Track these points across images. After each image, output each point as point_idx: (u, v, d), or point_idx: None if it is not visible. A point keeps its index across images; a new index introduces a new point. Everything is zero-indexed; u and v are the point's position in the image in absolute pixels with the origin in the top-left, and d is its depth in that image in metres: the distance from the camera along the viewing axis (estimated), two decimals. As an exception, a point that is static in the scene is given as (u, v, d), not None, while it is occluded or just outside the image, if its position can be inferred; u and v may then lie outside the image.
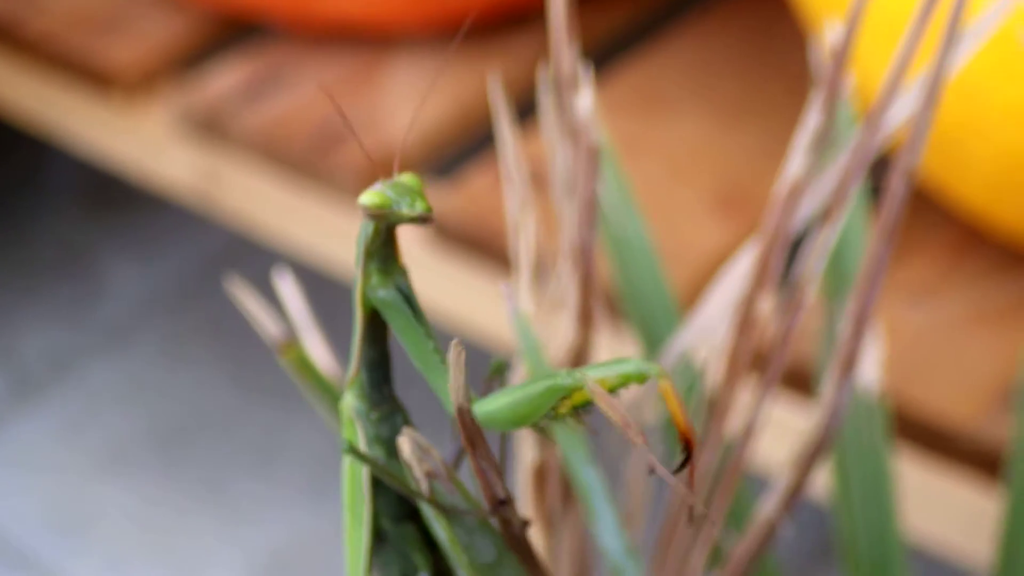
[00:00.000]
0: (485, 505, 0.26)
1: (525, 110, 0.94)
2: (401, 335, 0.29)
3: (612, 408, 0.24)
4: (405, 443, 0.26)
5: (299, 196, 0.91)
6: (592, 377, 0.25)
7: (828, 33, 0.44)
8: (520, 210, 0.37)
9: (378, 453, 0.31)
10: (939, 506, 0.73)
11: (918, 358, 0.73)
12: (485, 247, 0.84)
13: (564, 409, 0.26)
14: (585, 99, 0.35)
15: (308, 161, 0.90)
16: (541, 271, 0.38)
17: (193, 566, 1.05)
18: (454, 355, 0.24)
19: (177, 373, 1.17)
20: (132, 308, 1.22)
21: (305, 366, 0.39)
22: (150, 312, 1.22)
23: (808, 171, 0.36)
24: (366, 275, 0.29)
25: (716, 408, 0.37)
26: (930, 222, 0.81)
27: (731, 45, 0.96)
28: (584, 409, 0.26)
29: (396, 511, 0.31)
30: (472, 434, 0.24)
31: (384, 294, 0.29)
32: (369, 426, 0.31)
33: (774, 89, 0.92)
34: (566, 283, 0.37)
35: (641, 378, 0.25)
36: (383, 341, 0.31)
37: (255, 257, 1.20)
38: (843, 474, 0.43)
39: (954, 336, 0.75)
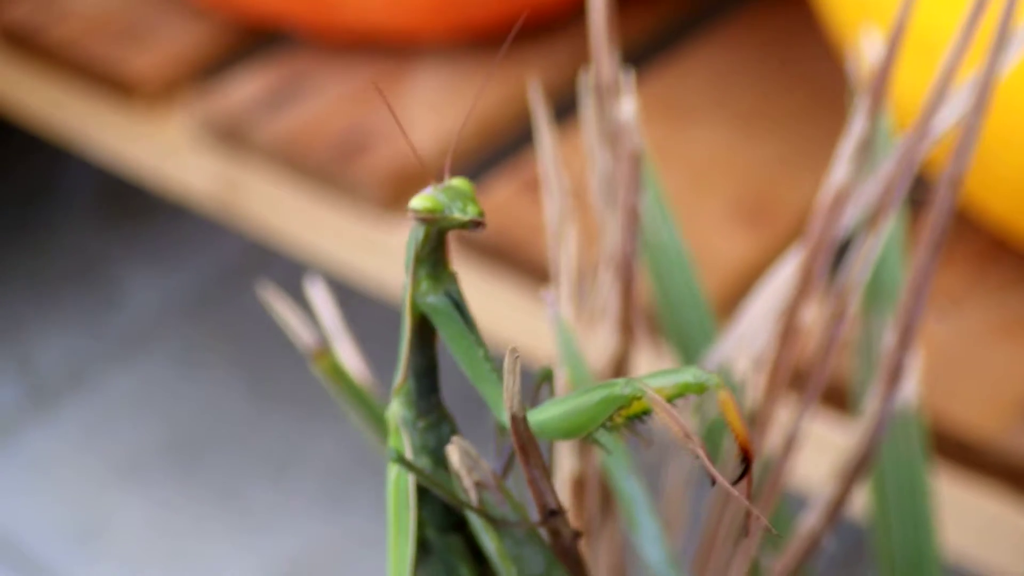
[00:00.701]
0: (535, 516, 0.25)
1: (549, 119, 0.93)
2: (451, 343, 0.29)
3: (672, 418, 0.23)
4: (454, 452, 0.25)
5: (320, 205, 0.91)
6: (651, 386, 0.24)
7: (866, 42, 0.43)
8: (560, 220, 0.37)
9: (425, 463, 0.30)
10: (967, 519, 0.72)
11: (944, 370, 0.73)
12: (509, 257, 0.83)
13: (619, 419, 0.25)
14: (627, 106, 0.35)
15: (329, 170, 0.89)
16: (579, 280, 0.38)
17: (208, 574, 1.04)
18: (509, 362, 0.23)
19: (193, 381, 1.17)
20: (148, 316, 1.22)
21: (338, 374, 0.38)
22: (166, 321, 1.22)
23: (851, 179, 0.35)
24: (416, 281, 0.29)
25: (757, 421, 0.37)
26: (955, 233, 0.80)
27: (754, 54, 0.95)
28: (639, 419, 0.25)
29: (442, 521, 0.30)
30: (526, 443, 0.23)
31: (434, 300, 0.29)
32: (416, 435, 0.30)
33: (797, 98, 0.91)
34: (607, 293, 0.36)
35: (700, 388, 0.25)
36: (431, 349, 0.30)
37: (272, 266, 1.19)
38: (881, 489, 0.43)
39: (980, 348, 0.75)
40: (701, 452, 0.23)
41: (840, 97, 0.89)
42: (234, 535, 1.06)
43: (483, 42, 0.96)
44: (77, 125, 1.02)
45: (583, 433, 0.26)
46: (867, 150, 0.37)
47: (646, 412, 0.25)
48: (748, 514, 0.24)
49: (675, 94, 0.93)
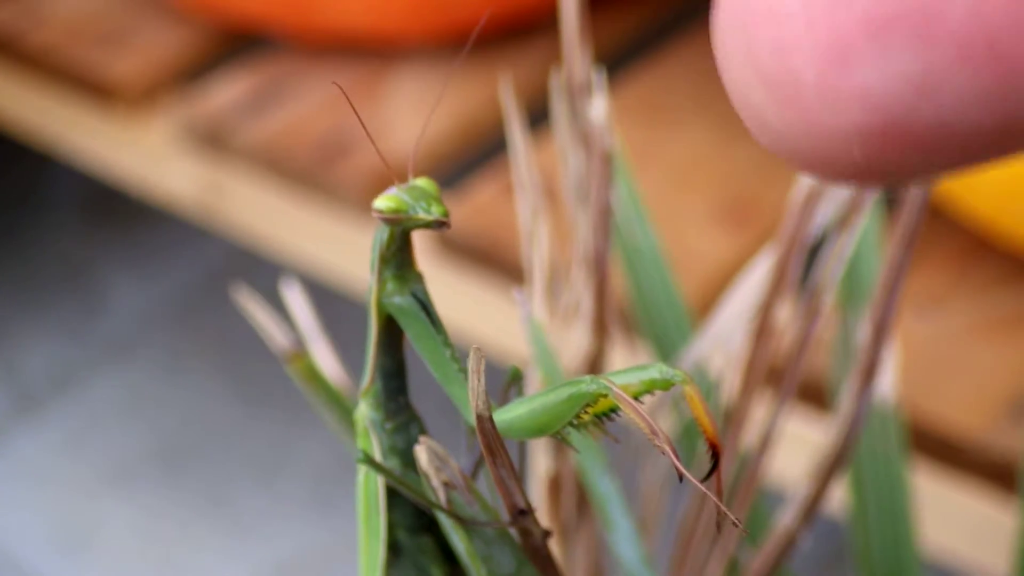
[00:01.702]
0: (504, 515, 0.25)
1: (531, 120, 0.93)
2: (418, 343, 0.29)
3: (639, 415, 0.23)
4: (422, 452, 0.25)
5: (302, 208, 0.91)
6: (617, 383, 0.24)
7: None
8: (532, 219, 0.37)
9: (394, 464, 0.30)
10: (951, 517, 0.72)
11: (926, 368, 0.73)
12: (491, 258, 0.83)
13: (586, 417, 0.25)
14: (598, 105, 0.35)
15: (311, 173, 0.89)
16: (553, 280, 0.38)
17: (196, 581, 1.04)
18: (474, 361, 0.23)
19: (179, 387, 1.17)
20: (133, 322, 1.22)
21: (313, 376, 0.38)
22: (151, 326, 1.21)
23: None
24: (381, 282, 0.29)
25: (732, 419, 0.37)
26: (936, 232, 0.81)
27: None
28: (607, 417, 0.25)
29: (412, 523, 0.30)
30: (492, 443, 0.23)
31: (400, 301, 0.29)
32: (384, 436, 0.30)
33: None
34: (580, 292, 0.36)
35: (666, 385, 0.25)
36: (399, 350, 0.30)
37: (257, 270, 1.19)
38: (858, 486, 0.43)
39: (962, 346, 0.75)
40: (668, 449, 0.23)
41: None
42: (222, 540, 1.05)
43: (463, 45, 0.96)
44: (59, 130, 1.02)
45: (550, 431, 0.25)
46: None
47: (613, 410, 0.25)
48: (719, 510, 0.24)
49: (657, 96, 0.93)
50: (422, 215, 0.27)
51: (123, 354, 1.19)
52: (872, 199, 0.36)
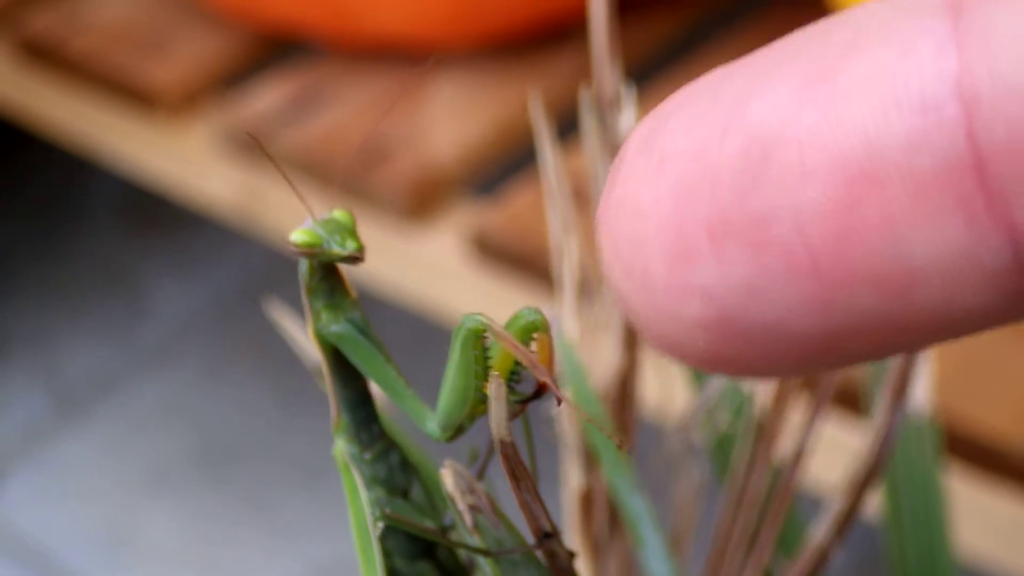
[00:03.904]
0: (530, 539, 0.25)
1: (567, 127, 0.93)
2: (363, 366, 0.29)
3: (510, 343, 0.24)
4: (448, 476, 0.25)
5: (341, 214, 0.91)
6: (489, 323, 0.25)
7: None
8: (563, 230, 0.37)
9: (379, 494, 0.30)
10: (987, 521, 0.72)
11: (961, 372, 0.73)
12: (527, 264, 0.83)
13: (498, 370, 0.25)
14: (628, 120, 0.34)
15: (350, 179, 0.89)
16: (585, 292, 0.38)
17: (238, 584, 1.05)
18: (494, 389, 0.23)
19: (221, 391, 1.17)
20: (175, 327, 1.22)
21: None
22: (193, 331, 1.22)
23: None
24: (315, 313, 0.29)
25: (766, 428, 0.37)
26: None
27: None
28: (516, 379, 0.25)
29: (408, 549, 0.30)
30: (515, 467, 0.23)
31: (337, 329, 0.29)
32: (365, 467, 0.30)
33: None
34: (610, 305, 0.36)
35: (533, 326, 0.25)
36: (357, 379, 0.30)
37: (296, 275, 1.19)
38: (893, 491, 0.42)
39: (997, 350, 0.74)
40: (547, 378, 0.24)
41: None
42: (263, 542, 1.06)
43: (503, 50, 0.96)
44: (99, 136, 1.02)
45: (471, 393, 0.26)
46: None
47: (515, 372, 0.25)
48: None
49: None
50: (336, 249, 0.28)
51: (165, 358, 1.20)
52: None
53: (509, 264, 0.84)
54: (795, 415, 0.39)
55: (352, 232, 0.28)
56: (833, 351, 0.17)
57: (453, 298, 0.88)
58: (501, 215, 0.85)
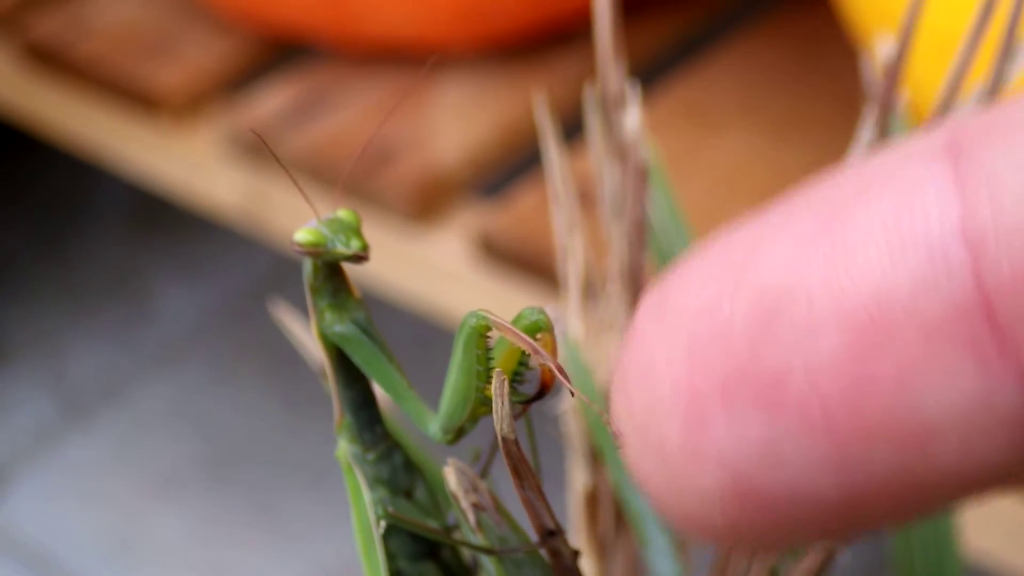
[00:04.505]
0: (534, 538, 0.25)
1: (572, 128, 0.93)
2: (366, 367, 0.29)
3: (515, 335, 0.24)
4: (451, 474, 0.25)
5: (347, 216, 0.91)
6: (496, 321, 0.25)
7: (879, 47, 0.43)
8: (568, 231, 0.37)
9: (382, 494, 0.30)
10: (993, 520, 0.72)
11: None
12: (532, 266, 0.83)
13: (502, 366, 0.25)
14: (633, 118, 0.34)
15: (356, 182, 0.89)
16: (590, 293, 0.37)
17: (244, 588, 1.05)
18: (497, 385, 0.23)
19: (227, 394, 1.17)
20: (182, 330, 1.22)
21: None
22: (199, 334, 1.22)
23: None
24: (319, 313, 0.29)
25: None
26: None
27: (779, 61, 0.95)
28: (517, 378, 0.25)
29: (411, 550, 0.30)
30: (519, 465, 0.23)
31: (341, 329, 0.29)
32: (368, 468, 0.30)
33: (823, 105, 0.91)
34: (616, 305, 0.36)
35: (536, 326, 0.25)
36: (360, 379, 0.30)
37: (302, 278, 1.19)
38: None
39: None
40: (551, 362, 0.24)
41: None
42: (271, 546, 1.06)
43: (508, 52, 0.96)
44: (105, 140, 1.02)
45: (473, 394, 0.25)
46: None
47: (519, 372, 0.25)
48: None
49: (701, 102, 0.93)
50: (340, 249, 0.28)
51: (171, 362, 1.20)
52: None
53: (514, 266, 0.84)
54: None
55: (357, 231, 0.28)
56: (852, 514, 0.17)
57: (457, 300, 0.88)
58: (506, 217, 0.85)
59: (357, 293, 0.29)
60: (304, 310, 0.42)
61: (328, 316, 0.29)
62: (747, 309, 0.17)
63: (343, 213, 0.28)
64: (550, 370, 0.24)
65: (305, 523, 1.07)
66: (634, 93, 0.36)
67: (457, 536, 0.28)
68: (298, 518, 1.07)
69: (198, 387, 1.18)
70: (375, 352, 0.28)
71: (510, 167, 0.91)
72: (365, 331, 0.29)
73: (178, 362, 1.20)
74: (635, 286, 0.35)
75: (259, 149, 0.93)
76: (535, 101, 0.37)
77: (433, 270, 0.88)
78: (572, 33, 0.96)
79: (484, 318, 0.25)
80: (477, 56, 0.96)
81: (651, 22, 0.99)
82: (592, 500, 0.36)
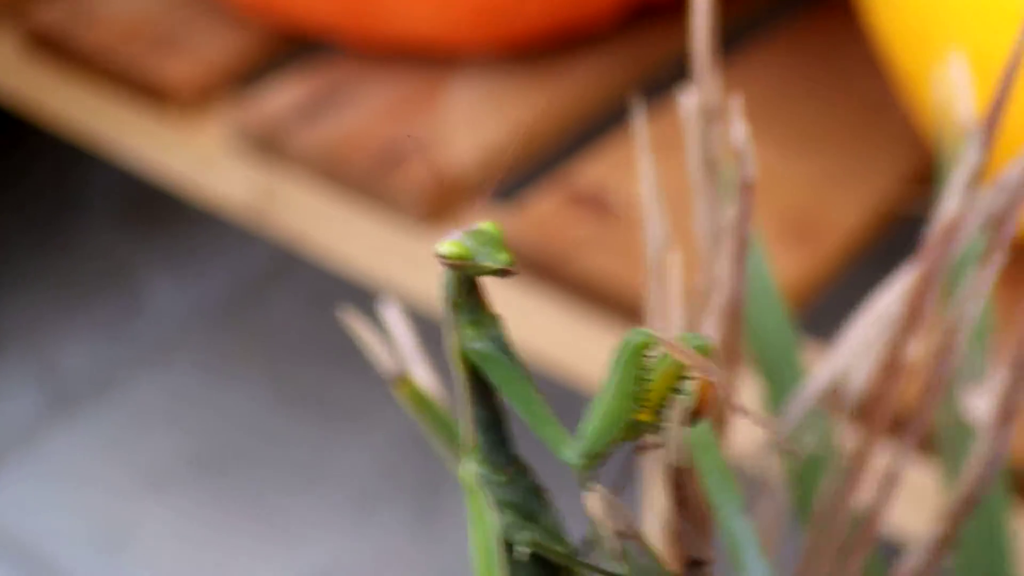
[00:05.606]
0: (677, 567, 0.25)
1: (590, 133, 0.92)
2: (504, 388, 0.28)
3: (681, 351, 0.23)
4: (594, 500, 0.24)
5: (358, 216, 0.90)
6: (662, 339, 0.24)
7: (953, 66, 0.42)
8: (660, 250, 0.36)
9: (510, 519, 0.29)
10: None
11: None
12: (548, 272, 0.82)
13: (655, 397, 0.24)
14: (740, 130, 0.34)
15: (367, 181, 0.88)
16: (676, 316, 0.37)
17: (234, 588, 1.04)
18: (676, 413, 0.23)
19: (219, 390, 1.16)
20: (174, 324, 1.21)
21: (420, 400, 0.37)
22: (193, 328, 1.21)
23: (963, 209, 0.34)
24: (459, 329, 0.28)
25: (851, 468, 0.36)
26: None
27: (800, 70, 0.94)
28: (674, 391, 0.24)
29: (535, 574, 0.29)
30: (688, 496, 0.22)
31: (481, 347, 0.28)
32: (498, 491, 0.29)
33: (844, 114, 0.91)
34: (710, 327, 0.35)
35: (700, 350, 0.24)
36: (493, 398, 0.29)
37: (299, 274, 1.19)
38: (963, 538, 0.41)
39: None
40: (726, 386, 0.23)
41: (888, 114, 0.88)
42: (261, 545, 1.05)
43: (525, 54, 0.95)
44: (109, 132, 1.01)
45: (624, 416, 0.24)
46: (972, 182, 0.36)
47: (675, 388, 0.24)
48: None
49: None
50: (488, 263, 0.27)
51: (164, 356, 1.19)
52: (1010, 230, 0.35)
53: (529, 270, 0.83)
54: (879, 453, 0.38)
55: (502, 244, 0.27)
56: None
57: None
58: (521, 222, 0.84)
59: (495, 309, 0.28)
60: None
61: (469, 333, 0.28)
62: None
63: (486, 225, 0.27)
64: (706, 396, 0.23)
65: (297, 523, 1.06)
66: (738, 106, 0.35)
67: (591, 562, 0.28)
68: (290, 518, 1.06)
69: (190, 383, 1.17)
70: (514, 372, 0.27)
71: (526, 170, 0.90)
72: (504, 350, 0.28)
73: (170, 357, 1.19)
74: (734, 307, 0.34)
75: (268, 145, 0.92)
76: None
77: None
78: (589, 36, 0.95)
79: (649, 335, 0.24)
80: (493, 58, 0.95)
81: (669, 30, 0.98)
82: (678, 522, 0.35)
